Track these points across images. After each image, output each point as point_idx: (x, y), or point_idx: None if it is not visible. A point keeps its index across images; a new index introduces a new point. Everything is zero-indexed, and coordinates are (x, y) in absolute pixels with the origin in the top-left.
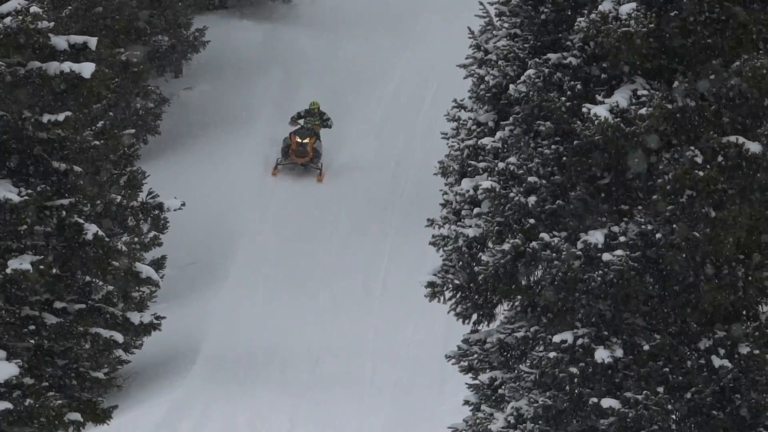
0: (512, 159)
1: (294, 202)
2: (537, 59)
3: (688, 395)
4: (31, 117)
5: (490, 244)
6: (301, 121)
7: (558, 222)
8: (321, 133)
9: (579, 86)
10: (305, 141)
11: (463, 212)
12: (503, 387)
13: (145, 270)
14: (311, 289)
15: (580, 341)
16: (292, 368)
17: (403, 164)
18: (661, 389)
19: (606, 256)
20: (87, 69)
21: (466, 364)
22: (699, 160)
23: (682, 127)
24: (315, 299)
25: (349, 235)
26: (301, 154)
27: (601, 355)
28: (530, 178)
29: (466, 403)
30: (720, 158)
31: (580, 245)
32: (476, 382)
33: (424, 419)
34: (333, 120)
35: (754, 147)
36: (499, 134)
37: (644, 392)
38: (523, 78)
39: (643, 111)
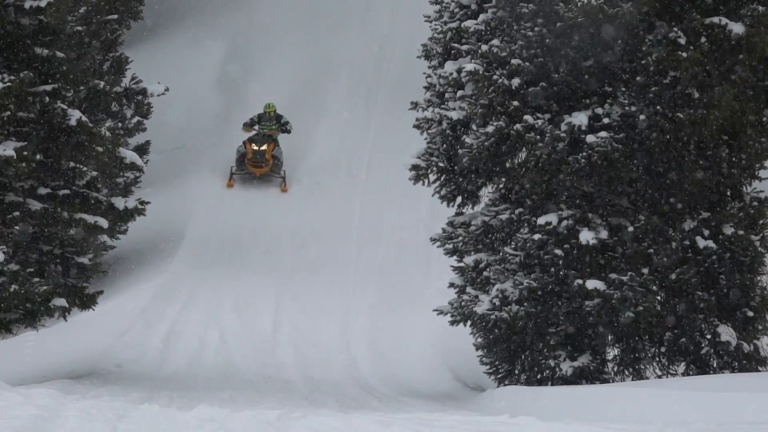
0: (495, 41)
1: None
2: None
3: (673, 276)
4: (13, 2)
5: (473, 127)
6: (256, 127)
7: (542, 104)
8: (280, 138)
9: None
10: (263, 148)
11: (447, 95)
12: (488, 269)
13: (129, 155)
14: (295, 173)
15: (564, 223)
16: (277, 252)
17: (386, 47)
18: (645, 270)
19: (590, 138)
20: None
21: (450, 246)
22: (682, 41)
23: (665, 8)
24: (299, 183)
25: (333, 119)
26: (259, 164)
27: (586, 236)
28: (513, 61)
29: (451, 285)
30: (703, 39)
31: (563, 127)
32: (461, 264)
33: (410, 302)
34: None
35: (737, 28)
36: (482, 17)
37: (629, 273)
38: None
39: None
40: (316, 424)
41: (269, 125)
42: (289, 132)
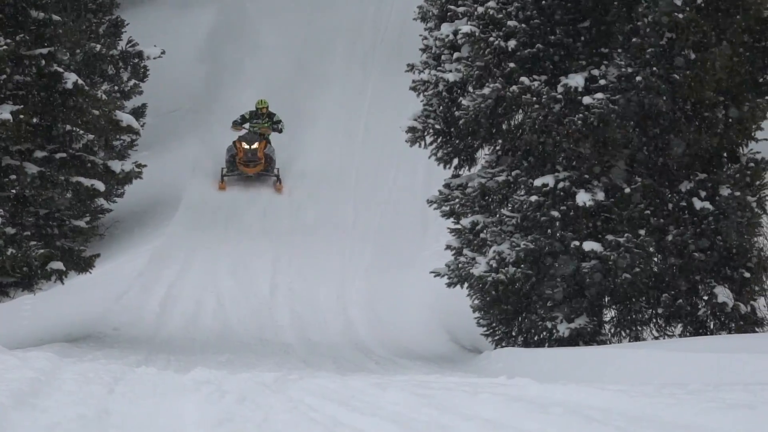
0: (491, 3)
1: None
2: None
3: (670, 238)
4: None
5: (470, 89)
6: (247, 125)
7: (538, 66)
8: (271, 138)
9: None
10: (254, 146)
11: (443, 57)
12: (485, 231)
13: (126, 118)
14: (293, 133)
15: (561, 185)
16: (273, 215)
17: (382, 9)
18: (642, 232)
19: (586, 100)
20: None
21: (447, 208)
22: (679, 2)
23: None
24: (298, 143)
25: (328, 82)
26: (251, 163)
27: (583, 198)
28: (510, 22)
29: (448, 247)
30: (700, 0)
31: (560, 89)
32: (458, 226)
33: (407, 264)
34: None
35: None
36: None
37: (626, 235)
38: None
39: None
40: (313, 386)
41: (261, 123)
42: (280, 131)
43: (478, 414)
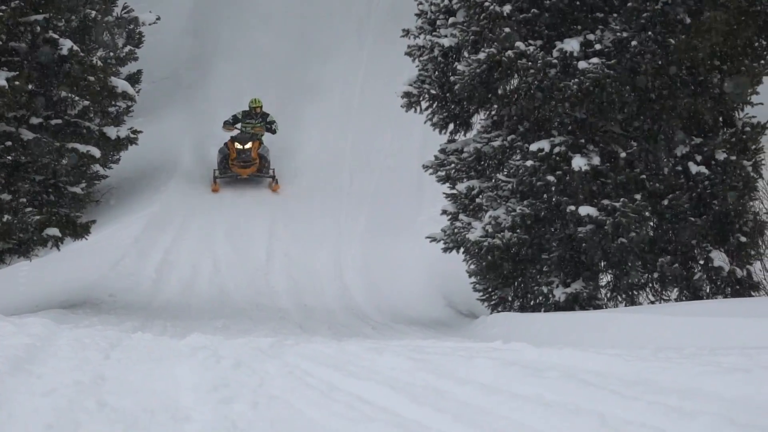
0: None
1: (275, 16)
2: None
3: (666, 202)
4: None
5: (465, 54)
6: (239, 125)
7: (533, 31)
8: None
9: None
10: (247, 146)
11: (438, 22)
12: (481, 196)
13: (121, 84)
14: (289, 101)
15: (557, 149)
16: (269, 180)
17: None
18: (638, 196)
19: (582, 64)
20: None
21: (443, 173)
22: None
23: None
24: (294, 111)
25: (325, 48)
26: (245, 163)
27: (578, 163)
28: None
29: (444, 212)
30: None
31: (555, 53)
32: (454, 191)
33: (402, 229)
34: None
35: None
36: None
37: (621, 199)
38: None
39: None
40: (309, 351)
41: (254, 123)
42: (274, 132)
43: (473, 378)
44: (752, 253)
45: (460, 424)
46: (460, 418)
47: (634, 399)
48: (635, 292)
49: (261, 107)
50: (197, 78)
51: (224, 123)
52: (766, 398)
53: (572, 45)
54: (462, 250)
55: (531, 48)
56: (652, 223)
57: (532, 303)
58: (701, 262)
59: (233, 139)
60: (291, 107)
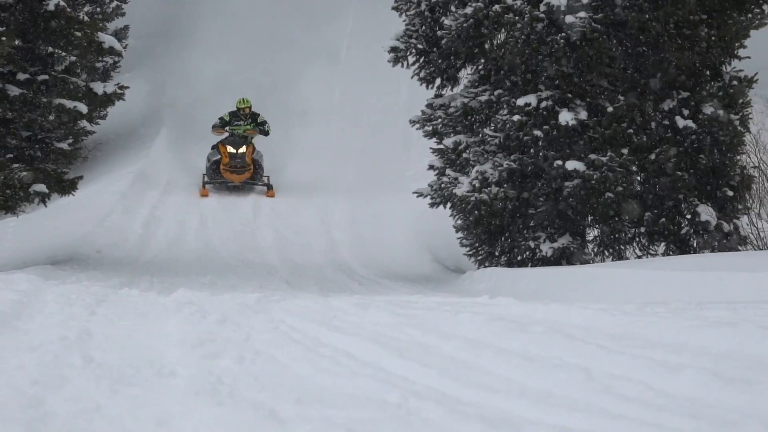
0: None
1: None
2: None
3: (653, 156)
4: None
5: (452, 8)
6: (228, 128)
7: None
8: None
9: None
10: (241, 150)
11: None
12: (468, 151)
13: (108, 40)
14: (275, 55)
15: (544, 104)
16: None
17: None
18: (625, 151)
19: (569, 18)
20: None
21: (430, 128)
22: None
23: None
24: (280, 67)
25: (312, 3)
26: (239, 169)
27: (566, 117)
28: None
29: (431, 167)
30: None
31: (542, 7)
32: (440, 146)
33: (390, 184)
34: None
35: None
36: None
37: (609, 154)
38: None
39: None
40: (294, 306)
41: (244, 125)
42: (267, 134)
43: (459, 333)
44: (739, 207)
45: (445, 379)
46: (445, 373)
47: (620, 353)
48: (622, 247)
49: (250, 107)
50: (184, 32)
51: (213, 126)
52: (751, 352)
53: None
54: (449, 205)
55: (518, 2)
56: (639, 178)
57: (518, 258)
58: (688, 216)
59: (225, 143)
60: (277, 64)
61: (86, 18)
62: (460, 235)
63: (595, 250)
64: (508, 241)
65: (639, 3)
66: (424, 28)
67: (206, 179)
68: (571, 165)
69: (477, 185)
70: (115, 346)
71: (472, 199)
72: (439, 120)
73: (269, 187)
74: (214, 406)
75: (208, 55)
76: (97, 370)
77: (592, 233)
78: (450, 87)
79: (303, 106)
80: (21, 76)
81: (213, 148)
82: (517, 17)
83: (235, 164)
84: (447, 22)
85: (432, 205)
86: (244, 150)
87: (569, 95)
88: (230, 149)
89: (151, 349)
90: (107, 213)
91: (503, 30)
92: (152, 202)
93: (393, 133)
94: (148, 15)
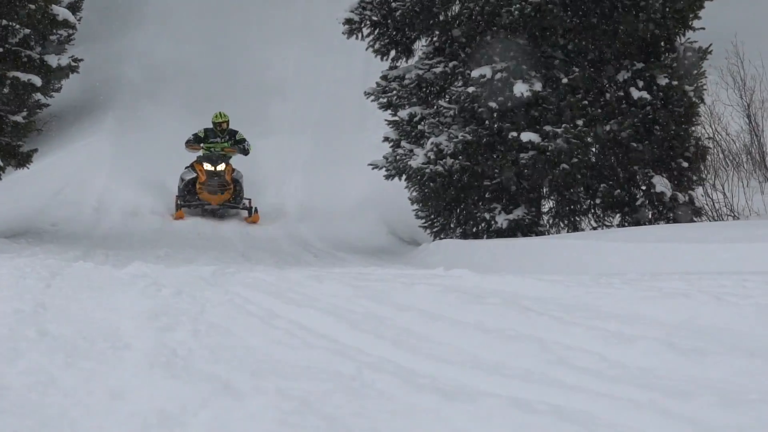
0: None
1: None
2: None
3: (608, 128)
4: None
5: None
6: (203, 145)
7: None
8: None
9: None
10: (220, 168)
11: None
12: (422, 123)
13: (62, 12)
14: (227, 27)
15: (498, 75)
16: (209, 106)
17: None
18: (580, 122)
19: None
20: None
21: (385, 100)
22: None
23: None
24: (233, 37)
25: None
26: (218, 188)
27: (520, 89)
28: None
29: (386, 139)
30: None
31: None
32: (395, 118)
33: (345, 156)
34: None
35: None
36: None
37: (563, 125)
38: None
39: None
40: (250, 279)
41: (221, 143)
42: (246, 153)
43: (414, 305)
44: (694, 178)
45: (400, 351)
46: (400, 345)
47: (574, 324)
48: (577, 218)
49: (227, 123)
50: (139, 2)
51: (186, 142)
52: (705, 323)
53: None
54: (404, 177)
55: None
56: (594, 149)
57: (474, 230)
58: (643, 187)
59: (201, 160)
60: (223, 35)
61: None
62: (415, 207)
63: (551, 221)
64: (464, 213)
65: None
66: None
67: (179, 201)
68: (526, 136)
69: (432, 157)
70: (69, 319)
71: (428, 171)
72: (394, 92)
73: (251, 211)
74: (169, 378)
75: (164, 23)
76: (51, 343)
77: (547, 205)
78: (405, 59)
79: (256, 77)
80: None
81: (187, 168)
82: None
83: (213, 183)
84: None
85: (387, 177)
86: (223, 168)
87: (524, 67)
88: (207, 166)
89: (105, 322)
90: (62, 186)
91: (458, 1)
92: (108, 175)
93: (348, 105)
94: None
